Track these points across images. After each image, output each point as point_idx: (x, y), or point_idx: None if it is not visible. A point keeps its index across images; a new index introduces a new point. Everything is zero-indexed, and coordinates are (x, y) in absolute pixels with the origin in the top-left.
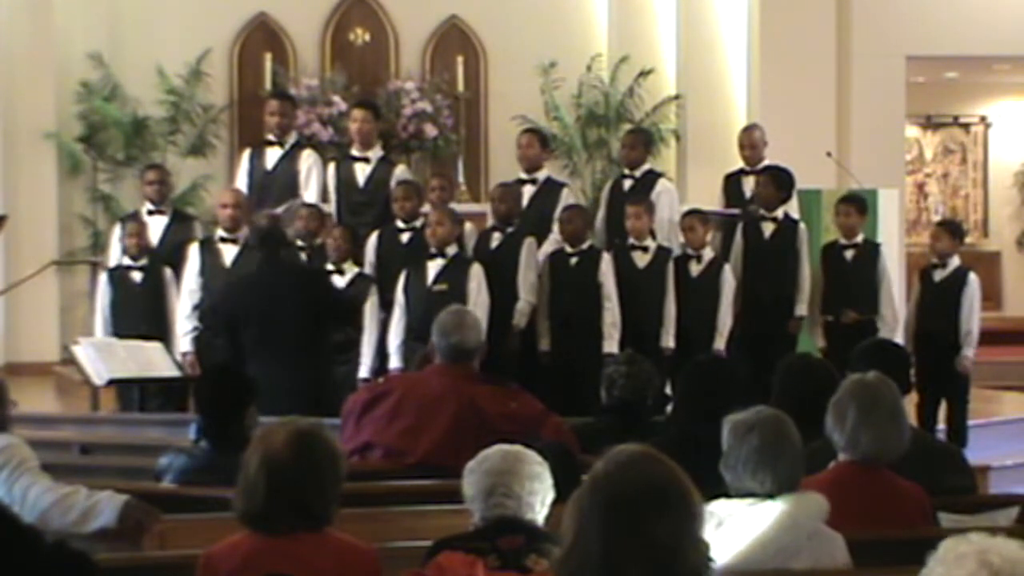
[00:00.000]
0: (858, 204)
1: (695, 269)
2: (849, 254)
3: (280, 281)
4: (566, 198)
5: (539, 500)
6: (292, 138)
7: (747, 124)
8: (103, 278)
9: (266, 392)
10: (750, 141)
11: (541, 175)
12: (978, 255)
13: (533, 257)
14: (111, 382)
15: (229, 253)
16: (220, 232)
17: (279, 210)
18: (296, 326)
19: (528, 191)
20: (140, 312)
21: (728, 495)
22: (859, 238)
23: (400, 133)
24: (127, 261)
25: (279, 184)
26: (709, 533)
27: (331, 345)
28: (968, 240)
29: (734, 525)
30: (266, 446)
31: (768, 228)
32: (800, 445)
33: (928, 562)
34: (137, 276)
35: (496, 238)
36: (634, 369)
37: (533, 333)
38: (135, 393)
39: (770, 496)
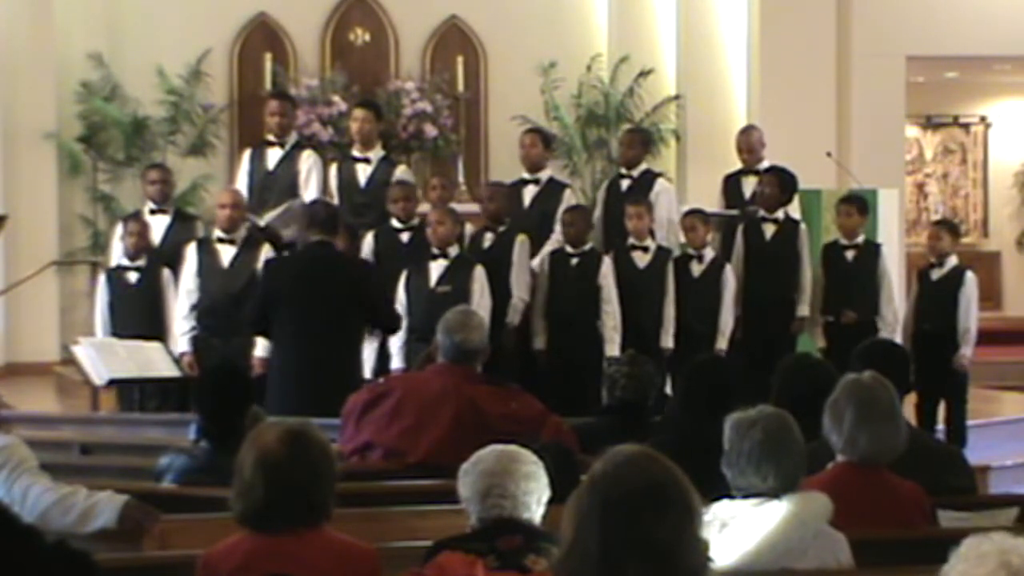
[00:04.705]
0: (859, 204)
1: (696, 269)
2: (850, 254)
3: (324, 262)
4: (568, 199)
5: (535, 499)
6: (292, 138)
7: (744, 126)
8: (102, 278)
9: (288, 373)
10: (748, 144)
11: (544, 175)
12: (978, 255)
13: (525, 255)
14: (111, 382)
15: (226, 253)
16: (217, 232)
17: (278, 211)
18: (332, 307)
19: (530, 191)
20: (136, 312)
21: (729, 495)
22: (860, 238)
23: (400, 133)
24: (125, 261)
25: (279, 185)
26: (713, 535)
27: (361, 337)
28: (968, 240)
29: (739, 526)
30: (259, 446)
31: (769, 229)
32: (802, 443)
33: (950, 558)
34: (132, 276)
35: (488, 238)
36: (636, 370)
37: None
38: (135, 393)
39: (774, 493)
